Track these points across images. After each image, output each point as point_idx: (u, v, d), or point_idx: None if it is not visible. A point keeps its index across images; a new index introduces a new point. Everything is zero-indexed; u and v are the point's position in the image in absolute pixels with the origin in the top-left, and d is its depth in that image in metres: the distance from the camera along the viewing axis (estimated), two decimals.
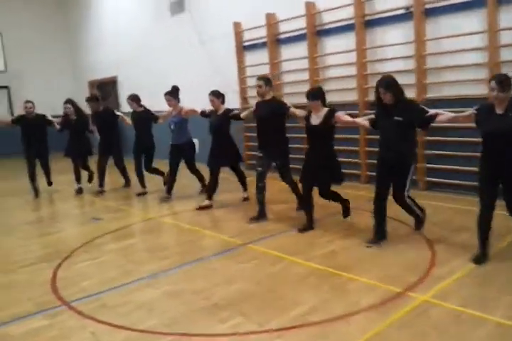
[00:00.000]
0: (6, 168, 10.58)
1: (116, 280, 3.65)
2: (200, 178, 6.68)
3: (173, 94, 6.32)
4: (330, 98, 5.25)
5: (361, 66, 6.65)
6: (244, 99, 8.60)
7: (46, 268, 4.00)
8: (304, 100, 4.68)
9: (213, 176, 5.76)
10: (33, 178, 7.22)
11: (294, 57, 7.61)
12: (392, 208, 4.26)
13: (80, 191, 7.33)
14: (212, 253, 4.18)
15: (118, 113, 7.27)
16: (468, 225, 4.18)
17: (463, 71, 5.71)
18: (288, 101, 5.58)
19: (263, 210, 5.16)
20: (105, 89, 12.97)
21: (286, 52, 7.84)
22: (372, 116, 4.23)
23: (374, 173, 4.46)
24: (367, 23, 6.57)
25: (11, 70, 12.48)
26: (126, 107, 8.27)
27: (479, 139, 3.60)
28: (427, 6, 5.90)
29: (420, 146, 5.79)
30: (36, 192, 7.23)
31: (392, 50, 6.35)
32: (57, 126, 7.25)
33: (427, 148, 6.11)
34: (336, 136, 4.69)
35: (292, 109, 4.96)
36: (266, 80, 5.10)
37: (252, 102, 7.53)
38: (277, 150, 5.09)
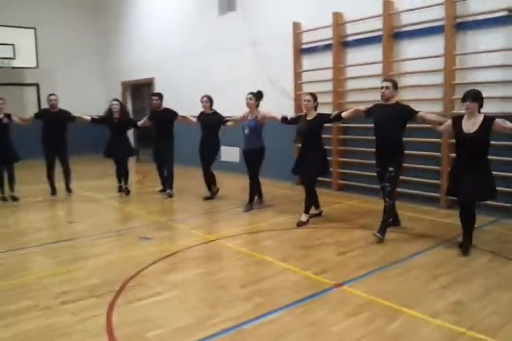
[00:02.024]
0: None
1: (193, 331, 2.81)
2: (257, 189, 6.24)
3: (257, 96, 5.98)
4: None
5: (449, 73, 5.78)
6: (299, 106, 7.75)
7: (96, 307, 3.16)
8: None
9: (310, 187, 5.39)
10: (50, 176, 7.12)
11: (362, 62, 6.79)
12: None
13: (122, 190, 7.24)
14: (299, 297, 3.29)
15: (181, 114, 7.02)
16: None
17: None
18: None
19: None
20: (140, 91, 12.29)
21: (353, 56, 7.01)
22: None
23: None
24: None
25: (42, 68, 11.81)
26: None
27: None
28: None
29: None
30: (53, 190, 7.12)
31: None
32: (88, 117, 7.14)
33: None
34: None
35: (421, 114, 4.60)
36: (394, 83, 4.65)
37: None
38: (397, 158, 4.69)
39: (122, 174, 7.23)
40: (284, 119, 5.60)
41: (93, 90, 12.95)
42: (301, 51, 7.67)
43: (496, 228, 5.03)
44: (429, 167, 6.06)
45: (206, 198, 6.77)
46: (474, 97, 4.00)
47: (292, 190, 7.40)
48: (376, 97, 6.41)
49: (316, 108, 5.35)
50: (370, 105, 4.91)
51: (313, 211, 5.56)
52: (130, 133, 8.36)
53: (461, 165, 4.14)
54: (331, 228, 5.16)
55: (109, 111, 7.03)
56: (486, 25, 5.47)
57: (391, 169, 4.60)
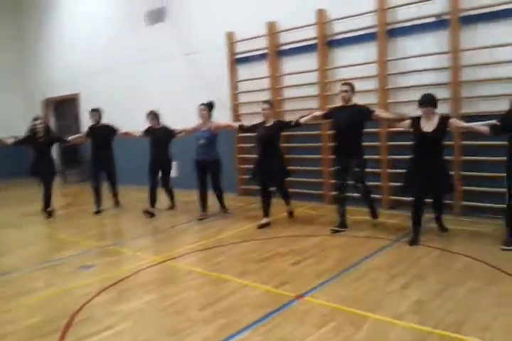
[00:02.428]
0: None
1: None
2: (221, 200, 6.42)
3: (209, 106, 6.14)
4: None
5: (383, 79, 5.97)
6: (236, 116, 7.68)
7: None
8: None
9: (266, 192, 5.59)
10: None
11: (299, 70, 6.84)
12: None
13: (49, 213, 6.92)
14: (263, 314, 3.15)
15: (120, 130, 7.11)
16: None
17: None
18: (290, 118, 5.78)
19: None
20: (63, 108, 11.63)
21: (289, 64, 7.05)
22: (493, 122, 4.25)
23: None
24: (390, 33, 5.97)
25: None
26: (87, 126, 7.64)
27: None
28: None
29: None
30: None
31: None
32: (8, 141, 6.77)
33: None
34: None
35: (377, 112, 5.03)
36: (352, 86, 5.02)
37: (246, 120, 7.07)
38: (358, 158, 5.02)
39: (45, 196, 6.84)
40: (241, 127, 5.91)
41: (10, 108, 12.00)
42: (236, 61, 7.61)
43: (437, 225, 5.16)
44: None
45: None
46: (431, 102, 4.37)
47: (236, 201, 7.27)
48: (313, 105, 6.58)
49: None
50: (326, 111, 5.46)
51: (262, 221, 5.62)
52: (55, 154, 7.93)
53: (422, 162, 4.42)
54: (282, 237, 5.08)
55: (32, 131, 6.66)
56: (416, 31, 5.71)
57: (357, 170, 4.94)
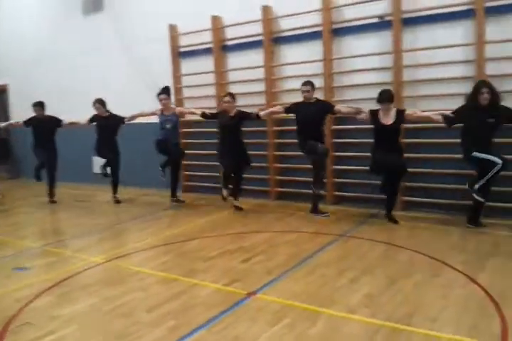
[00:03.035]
0: None
1: None
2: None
3: (168, 93, 6.41)
4: None
5: (328, 77, 6.05)
6: (180, 111, 7.47)
7: None
8: None
9: (237, 176, 6.06)
10: None
11: (244, 66, 6.76)
12: None
13: None
14: (215, 313, 3.06)
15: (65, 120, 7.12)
16: None
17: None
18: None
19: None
20: None
21: (234, 60, 6.96)
22: (447, 113, 4.74)
23: None
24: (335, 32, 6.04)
25: None
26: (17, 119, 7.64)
27: None
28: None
29: None
30: None
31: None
32: None
33: None
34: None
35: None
36: (312, 85, 5.49)
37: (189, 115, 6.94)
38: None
39: None
40: (204, 114, 6.18)
41: None
42: (179, 54, 7.42)
43: (380, 220, 5.32)
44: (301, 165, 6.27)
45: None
46: (389, 99, 4.92)
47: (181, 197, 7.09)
48: (260, 101, 6.51)
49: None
50: (288, 105, 5.78)
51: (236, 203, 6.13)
52: None
53: (382, 148, 4.99)
54: (229, 234, 5.01)
55: None
56: (360, 31, 5.84)
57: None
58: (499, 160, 4.36)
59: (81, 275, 3.94)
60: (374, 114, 5.06)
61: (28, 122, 7.01)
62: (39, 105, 6.95)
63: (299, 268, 3.90)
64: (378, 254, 4.19)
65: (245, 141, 6.14)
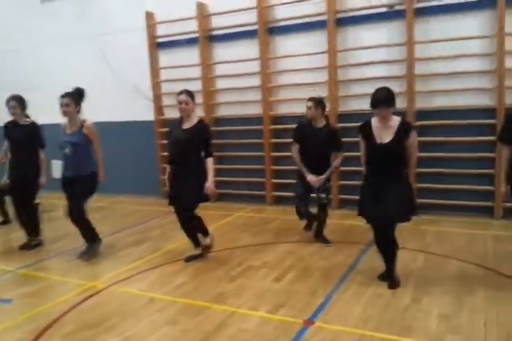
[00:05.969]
0: None
1: None
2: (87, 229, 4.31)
3: (75, 97, 4.13)
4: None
5: (333, 70, 5.58)
6: (159, 108, 6.75)
7: None
8: None
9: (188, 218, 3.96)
10: None
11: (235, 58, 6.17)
12: None
13: None
14: None
15: None
16: None
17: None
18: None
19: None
20: None
21: (223, 51, 6.32)
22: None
23: None
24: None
25: None
26: None
27: None
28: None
29: None
30: None
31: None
32: None
33: None
34: None
35: None
36: (317, 102, 4.23)
37: (169, 113, 6.38)
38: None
39: None
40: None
41: None
42: (157, 45, 6.68)
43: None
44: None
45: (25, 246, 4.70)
46: (387, 101, 3.12)
47: (159, 205, 6.33)
48: (254, 97, 5.95)
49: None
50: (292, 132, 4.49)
51: (203, 241, 4.13)
52: None
53: (375, 183, 3.30)
54: (242, 248, 4.40)
55: None
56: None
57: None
58: None
59: (81, 307, 3.19)
60: (364, 128, 3.33)
61: None
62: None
63: (344, 285, 3.38)
64: (421, 265, 3.76)
65: (233, 141, 5.56)
